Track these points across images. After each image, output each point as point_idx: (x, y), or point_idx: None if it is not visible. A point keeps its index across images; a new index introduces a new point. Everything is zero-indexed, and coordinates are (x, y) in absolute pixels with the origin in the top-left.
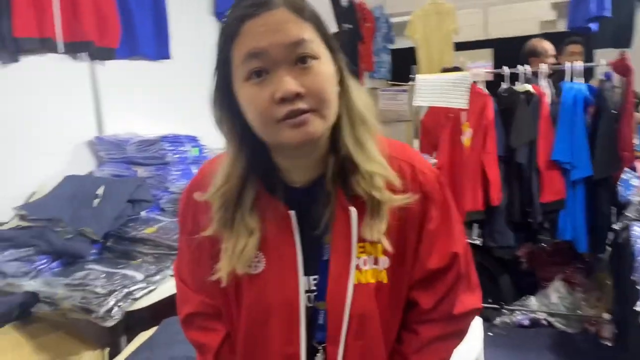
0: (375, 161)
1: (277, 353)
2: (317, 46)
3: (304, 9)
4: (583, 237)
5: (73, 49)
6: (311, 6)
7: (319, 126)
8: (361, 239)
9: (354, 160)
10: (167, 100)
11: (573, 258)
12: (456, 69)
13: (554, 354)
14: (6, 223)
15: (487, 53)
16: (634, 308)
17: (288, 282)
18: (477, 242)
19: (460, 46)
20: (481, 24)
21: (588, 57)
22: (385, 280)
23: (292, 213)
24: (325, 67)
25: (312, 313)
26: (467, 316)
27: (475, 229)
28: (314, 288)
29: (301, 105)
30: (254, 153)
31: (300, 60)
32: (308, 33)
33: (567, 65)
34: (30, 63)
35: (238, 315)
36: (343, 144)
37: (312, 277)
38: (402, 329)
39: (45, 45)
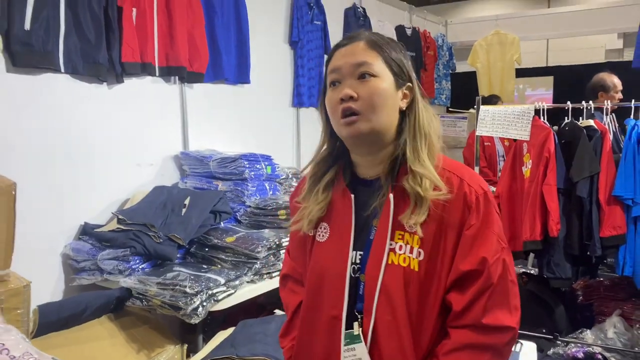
0: (425, 167)
1: (325, 314)
2: (378, 68)
3: (377, 42)
4: None
5: (168, 72)
6: (385, 42)
7: (363, 126)
8: (400, 227)
9: (407, 163)
10: (244, 121)
11: (632, 294)
12: (494, 97)
13: None
14: (104, 225)
15: (548, 80)
16: None
17: (340, 254)
18: (533, 271)
19: (521, 72)
20: (543, 50)
21: None
22: (416, 269)
23: (352, 197)
24: (381, 83)
25: (355, 283)
26: (499, 332)
27: (531, 259)
28: (359, 261)
29: (352, 105)
30: (338, 148)
31: (361, 75)
32: (372, 58)
33: (634, 102)
34: (132, 84)
35: (307, 277)
36: (402, 149)
37: (358, 252)
38: (440, 337)
39: (145, 69)
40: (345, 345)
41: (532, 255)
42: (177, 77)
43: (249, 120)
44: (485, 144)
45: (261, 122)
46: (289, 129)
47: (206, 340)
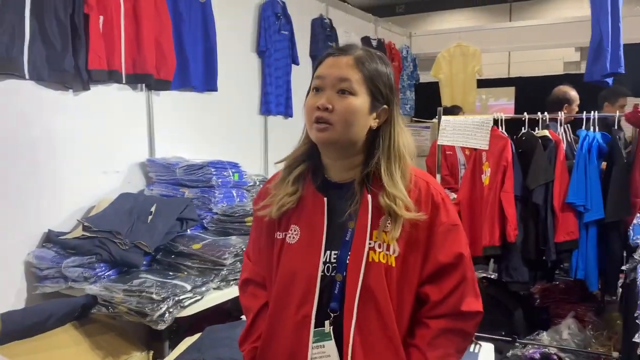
0: (398, 189)
1: (294, 313)
2: (357, 87)
3: (364, 62)
4: (594, 277)
5: (135, 80)
6: (372, 61)
7: (332, 135)
8: (377, 227)
9: (382, 183)
10: (212, 129)
11: (585, 297)
12: (455, 107)
13: None
14: (68, 233)
15: (510, 91)
16: (634, 340)
17: (312, 254)
18: (493, 276)
19: (484, 83)
20: (505, 62)
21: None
22: (393, 264)
23: (325, 199)
24: (357, 102)
25: (328, 283)
26: (472, 317)
27: (492, 265)
28: (334, 261)
29: (326, 115)
30: (313, 148)
31: (341, 90)
32: (353, 76)
33: (586, 114)
34: (98, 92)
35: (275, 279)
36: (376, 167)
37: (333, 252)
38: (415, 326)
39: (112, 76)
40: (314, 342)
41: (492, 260)
42: (144, 85)
43: (216, 128)
44: (447, 152)
45: (229, 130)
46: (257, 137)
47: (172, 346)
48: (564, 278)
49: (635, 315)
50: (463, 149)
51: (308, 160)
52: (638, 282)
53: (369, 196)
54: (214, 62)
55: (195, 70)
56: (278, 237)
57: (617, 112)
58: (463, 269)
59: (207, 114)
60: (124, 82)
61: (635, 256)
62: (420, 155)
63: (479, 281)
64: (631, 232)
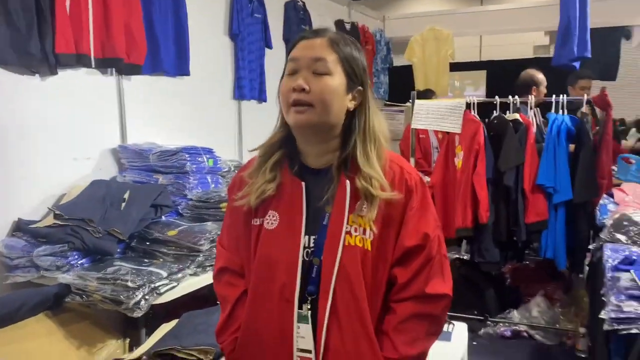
0: (374, 169)
1: (277, 297)
2: (333, 67)
3: (338, 43)
4: (562, 256)
5: (104, 64)
6: (345, 44)
7: (311, 118)
8: (353, 211)
9: (358, 164)
10: (185, 114)
11: (554, 276)
12: (429, 91)
13: None
14: (39, 221)
15: (481, 75)
16: (600, 316)
17: (292, 239)
18: (466, 257)
19: (456, 67)
20: (477, 46)
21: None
22: (369, 248)
23: (303, 185)
24: (333, 82)
25: (307, 267)
26: (439, 300)
27: (465, 246)
28: (312, 246)
29: (303, 97)
30: (289, 135)
31: (316, 71)
32: (329, 56)
33: (554, 97)
34: (66, 76)
35: (253, 267)
36: (352, 149)
37: (312, 237)
38: (384, 311)
39: (81, 60)
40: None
41: (465, 242)
42: (114, 69)
43: (189, 113)
44: (421, 136)
45: (202, 115)
46: (231, 122)
47: (149, 333)
48: (534, 258)
49: (601, 292)
50: (436, 132)
51: (284, 147)
52: (603, 261)
53: (347, 181)
54: (186, 45)
55: (167, 54)
56: (255, 224)
57: (585, 95)
58: (429, 250)
59: (179, 99)
60: (93, 66)
61: (602, 235)
62: (394, 139)
63: (452, 262)
64: (598, 212)
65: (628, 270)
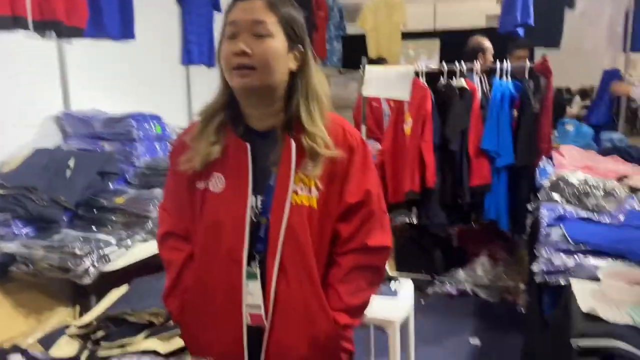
0: (317, 127)
1: (225, 258)
2: (273, 28)
3: (276, 5)
4: (505, 217)
5: (43, 27)
6: (284, 4)
7: (255, 80)
8: (300, 173)
9: (302, 123)
10: (131, 79)
11: (497, 236)
12: (381, 59)
13: (476, 319)
14: None
15: (435, 43)
16: (530, 267)
17: (239, 200)
18: (415, 221)
19: (409, 36)
20: (430, 15)
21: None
22: (315, 206)
23: (248, 146)
24: (274, 43)
25: (255, 226)
26: (381, 251)
27: (415, 211)
28: (260, 206)
29: (246, 61)
30: (231, 98)
31: (257, 33)
32: (269, 18)
33: (499, 64)
34: (2, 40)
35: (199, 230)
36: (296, 109)
37: (259, 197)
38: (328, 265)
39: (17, 23)
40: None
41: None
42: (53, 32)
43: (136, 79)
44: (373, 104)
45: (149, 81)
46: (179, 88)
47: (99, 300)
48: (477, 219)
49: (534, 247)
50: (388, 100)
51: (227, 110)
52: (539, 219)
53: (292, 141)
54: (130, 8)
55: (110, 17)
56: (199, 187)
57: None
58: (370, 205)
59: (125, 64)
60: (30, 29)
61: (539, 196)
62: (348, 106)
63: (402, 226)
64: (538, 175)
65: (559, 226)
